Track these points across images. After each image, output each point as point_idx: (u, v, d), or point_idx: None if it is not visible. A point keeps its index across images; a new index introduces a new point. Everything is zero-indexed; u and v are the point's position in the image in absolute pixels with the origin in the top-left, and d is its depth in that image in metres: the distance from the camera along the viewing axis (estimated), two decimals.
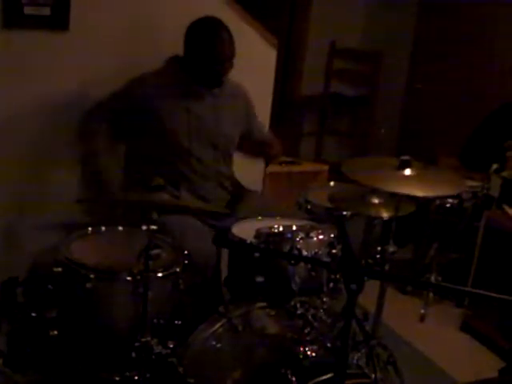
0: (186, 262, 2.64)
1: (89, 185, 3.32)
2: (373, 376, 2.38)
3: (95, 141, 3.20)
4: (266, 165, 3.94)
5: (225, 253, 2.98)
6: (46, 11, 3.03)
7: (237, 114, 3.33)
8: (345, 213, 2.92)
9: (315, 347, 2.29)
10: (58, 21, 3.07)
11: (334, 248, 2.61)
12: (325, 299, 2.51)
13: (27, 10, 2.98)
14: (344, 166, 2.54)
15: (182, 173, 3.14)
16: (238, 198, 3.33)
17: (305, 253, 2.55)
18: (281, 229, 2.64)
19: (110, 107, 3.18)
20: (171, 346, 2.45)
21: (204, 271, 2.87)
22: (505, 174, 3.75)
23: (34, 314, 2.61)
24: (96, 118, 3.21)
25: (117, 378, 2.47)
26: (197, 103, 3.16)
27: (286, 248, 2.56)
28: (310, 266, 2.55)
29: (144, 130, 3.13)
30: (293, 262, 2.53)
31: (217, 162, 3.27)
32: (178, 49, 3.12)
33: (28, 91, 3.12)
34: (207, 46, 3.04)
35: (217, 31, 3.05)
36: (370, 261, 2.72)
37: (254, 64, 3.49)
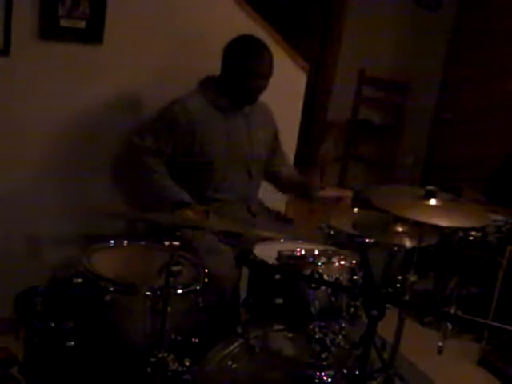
0: (207, 280, 2.64)
1: (116, 198, 3.35)
2: None
3: (155, 174, 3.06)
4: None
5: (245, 275, 2.98)
6: (82, 24, 3.08)
7: (267, 133, 3.33)
8: (367, 240, 2.90)
9: (332, 373, 2.28)
10: (93, 34, 3.13)
11: (355, 274, 2.60)
12: (343, 325, 2.50)
13: (63, 23, 3.03)
14: (369, 193, 2.54)
15: (212, 195, 3.12)
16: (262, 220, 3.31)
17: (326, 277, 2.55)
18: (303, 252, 2.64)
19: (159, 149, 3.05)
20: (187, 363, 2.44)
21: (224, 291, 2.87)
22: None
23: (52, 324, 2.61)
24: (149, 160, 3.06)
25: None
26: (234, 127, 3.16)
27: (308, 272, 2.56)
28: (330, 290, 2.55)
29: (181, 154, 3.09)
30: (314, 285, 2.52)
31: (247, 187, 3.27)
32: (215, 67, 3.15)
33: (61, 103, 3.16)
34: (247, 59, 3.06)
35: (258, 48, 3.09)
36: (390, 289, 2.71)
37: (284, 87, 3.49)
